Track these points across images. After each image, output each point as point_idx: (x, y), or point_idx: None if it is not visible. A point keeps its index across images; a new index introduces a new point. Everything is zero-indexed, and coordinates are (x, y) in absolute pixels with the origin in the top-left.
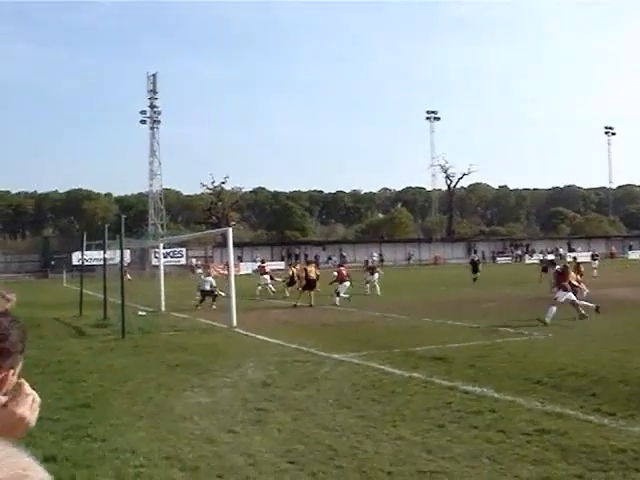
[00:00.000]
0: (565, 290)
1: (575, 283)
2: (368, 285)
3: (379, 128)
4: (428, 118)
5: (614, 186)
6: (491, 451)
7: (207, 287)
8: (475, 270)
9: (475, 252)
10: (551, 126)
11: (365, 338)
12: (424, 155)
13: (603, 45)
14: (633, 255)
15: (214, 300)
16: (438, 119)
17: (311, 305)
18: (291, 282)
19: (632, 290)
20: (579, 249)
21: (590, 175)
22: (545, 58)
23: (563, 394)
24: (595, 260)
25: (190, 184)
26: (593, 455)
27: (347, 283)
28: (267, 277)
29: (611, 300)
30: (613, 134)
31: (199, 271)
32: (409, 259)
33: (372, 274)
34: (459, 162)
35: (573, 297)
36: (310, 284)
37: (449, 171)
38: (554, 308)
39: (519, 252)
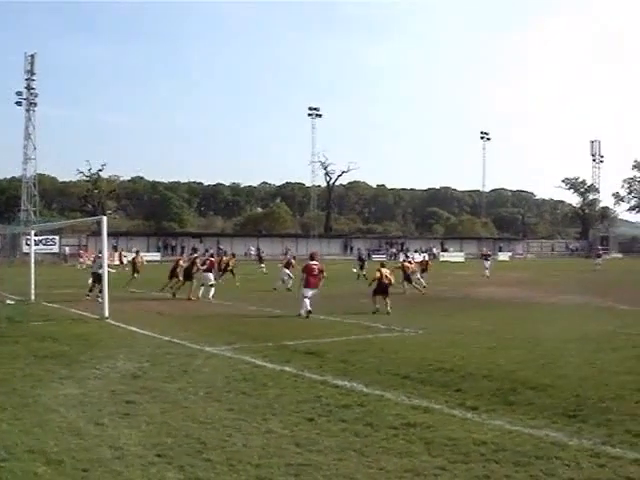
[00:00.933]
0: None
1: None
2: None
3: (261, 122)
4: (310, 114)
5: (487, 189)
6: (359, 444)
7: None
8: (362, 267)
9: (359, 249)
10: (429, 128)
11: (239, 331)
12: (305, 151)
13: (482, 50)
14: (502, 256)
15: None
16: (320, 116)
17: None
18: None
19: (499, 289)
20: (451, 249)
21: (465, 178)
22: (425, 61)
23: (430, 389)
24: (487, 260)
25: (66, 170)
26: (456, 447)
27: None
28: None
29: (481, 298)
30: (488, 139)
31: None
32: (286, 254)
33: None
34: (339, 160)
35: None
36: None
37: (329, 168)
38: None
39: (394, 250)
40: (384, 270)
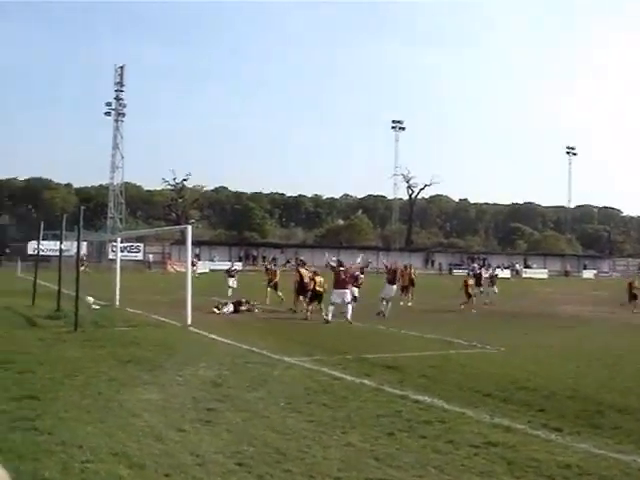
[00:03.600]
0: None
1: None
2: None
3: (344, 134)
4: (394, 127)
5: (572, 205)
6: (438, 461)
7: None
8: (478, 283)
9: (482, 266)
10: (514, 143)
11: (318, 343)
12: (387, 164)
13: (561, 65)
14: (587, 274)
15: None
16: (403, 129)
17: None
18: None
19: (584, 308)
20: (534, 265)
21: (550, 193)
22: (514, 71)
23: (512, 408)
24: None
25: (152, 179)
26: (539, 470)
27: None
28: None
29: (564, 317)
30: (574, 154)
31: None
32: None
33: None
34: (421, 173)
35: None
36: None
37: (411, 181)
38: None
39: (476, 265)
40: (303, 271)
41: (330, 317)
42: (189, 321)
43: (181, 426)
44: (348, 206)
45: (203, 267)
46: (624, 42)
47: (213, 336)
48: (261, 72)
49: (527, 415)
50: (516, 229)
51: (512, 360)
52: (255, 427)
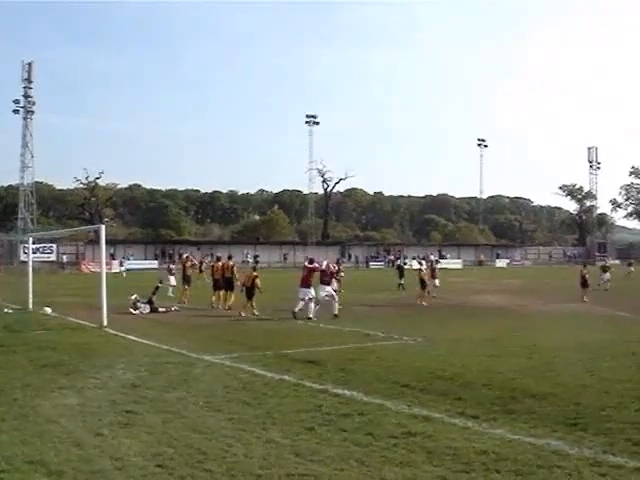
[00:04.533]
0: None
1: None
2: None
3: (258, 129)
4: (307, 122)
5: (484, 196)
6: (359, 454)
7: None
8: (401, 275)
9: (398, 258)
10: (426, 136)
11: (238, 340)
12: (302, 158)
13: (480, 59)
14: (500, 263)
15: None
16: (317, 123)
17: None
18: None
19: (498, 297)
20: (449, 256)
21: (462, 185)
22: (424, 67)
23: (430, 398)
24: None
25: (63, 178)
26: (457, 457)
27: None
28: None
29: (479, 307)
30: (485, 146)
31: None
32: (285, 260)
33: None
34: (336, 167)
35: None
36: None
37: (326, 175)
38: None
39: (392, 257)
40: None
41: (312, 314)
42: (105, 322)
43: (99, 430)
44: (264, 201)
45: (117, 267)
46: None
47: (131, 337)
48: (174, 71)
49: (445, 404)
50: (430, 220)
51: (430, 351)
52: (175, 428)
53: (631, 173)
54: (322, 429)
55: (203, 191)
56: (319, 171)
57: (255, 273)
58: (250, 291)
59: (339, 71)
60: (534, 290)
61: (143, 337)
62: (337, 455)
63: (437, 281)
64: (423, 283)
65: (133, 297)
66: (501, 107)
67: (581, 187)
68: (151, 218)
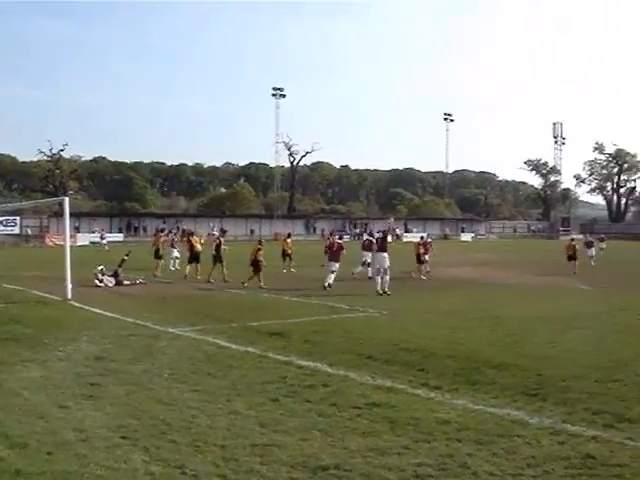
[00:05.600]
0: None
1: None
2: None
3: (224, 102)
4: (274, 95)
5: (450, 171)
6: (323, 424)
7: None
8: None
9: (364, 232)
10: (393, 110)
11: (204, 312)
12: (269, 132)
13: (447, 33)
14: (465, 237)
15: None
16: (284, 96)
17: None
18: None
19: (463, 270)
20: (415, 230)
21: (428, 159)
22: (391, 40)
23: (394, 369)
24: (602, 242)
25: (27, 150)
26: (419, 427)
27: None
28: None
29: (444, 279)
30: (452, 121)
31: None
32: (251, 234)
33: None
34: (303, 141)
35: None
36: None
37: (293, 148)
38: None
39: (357, 231)
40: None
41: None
42: (69, 295)
43: (63, 403)
44: (230, 174)
45: (83, 240)
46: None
47: (95, 310)
48: (140, 43)
49: (408, 375)
50: (396, 194)
51: (394, 323)
52: (139, 399)
53: (595, 149)
54: (286, 400)
55: (169, 164)
56: (285, 144)
57: (259, 246)
58: (256, 265)
59: (307, 44)
60: (500, 263)
61: (108, 310)
62: (301, 425)
63: (427, 257)
64: (419, 258)
65: (99, 268)
66: (468, 82)
67: (546, 162)
68: (116, 191)
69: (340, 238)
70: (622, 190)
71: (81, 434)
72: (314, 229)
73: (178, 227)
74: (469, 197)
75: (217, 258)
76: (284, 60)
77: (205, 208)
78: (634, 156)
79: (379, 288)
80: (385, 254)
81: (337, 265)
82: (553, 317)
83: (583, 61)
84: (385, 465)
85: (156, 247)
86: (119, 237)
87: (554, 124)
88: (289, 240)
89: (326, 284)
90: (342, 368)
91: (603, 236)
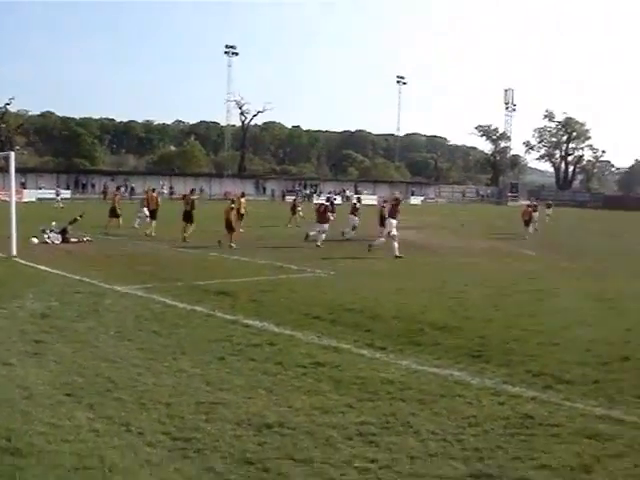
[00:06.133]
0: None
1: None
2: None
3: (175, 60)
4: (227, 52)
5: (401, 134)
6: (268, 383)
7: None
8: (332, 210)
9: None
10: (347, 71)
11: (151, 271)
12: (220, 90)
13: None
14: (414, 200)
15: None
16: (236, 54)
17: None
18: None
19: (410, 233)
20: (365, 192)
21: (380, 122)
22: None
23: (340, 329)
24: (549, 208)
25: None
26: (364, 386)
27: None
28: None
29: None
30: (404, 84)
31: None
32: (201, 192)
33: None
34: (255, 100)
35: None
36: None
37: (244, 108)
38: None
39: (308, 192)
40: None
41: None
42: (14, 252)
43: (7, 360)
44: (180, 132)
45: (29, 196)
46: None
47: (41, 267)
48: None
49: (354, 335)
50: (347, 156)
51: (341, 284)
52: (85, 357)
53: (545, 117)
54: (232, 359)
55: (118, 120)
56: (237, 103)
57: (232, 206)
58: (229, 224)
59: (262, 3)
60: (447, 227)
61: (54, 267)
62: (246, 384)
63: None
64: (382, 220)
65: (52, 224)
66: (420, 45)
67: (496, 128)
68: (64, 147)
69: (329, 201)
70: (570, 158)
71: (25, 391)
72: (264, 189)
73: (126, 185)
74: (419, 161)
75: (188, 216)
76: (238, 18)
77: (154, 166)
78: (583, 125)
79: (397, 252)
80: (394, 221)
81: (325, 226)
82: (497, 281)
83: (536, 29)
84: (329, 423)
85: (112, 205)
86: (67, 194)
87: (505, 91)
88: (243, 200)
89: (318, 243)
90: (288, 328)
91: (550, 202)
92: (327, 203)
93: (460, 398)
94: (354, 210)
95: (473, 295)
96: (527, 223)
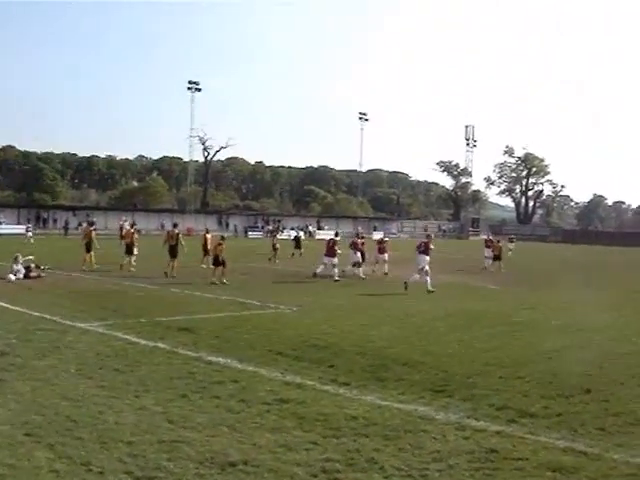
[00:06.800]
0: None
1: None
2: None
3: (140, 94)
4: (190, 88)
5: (364, 170)
6: (232, 420)
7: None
8: (298, 246)
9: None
10: (308, 108)
11: (113, 307)
12: (183, 125)
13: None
14: (377, 236)
15: None
16: (199, 90)
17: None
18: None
19: (375, 267)
20: (327, 227)
21: (342, 158)
22: (305, 39)
23: (303, 365)
24: (512, 242)
25: None
26: (328, 423)
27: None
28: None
29: (355, 277)
30: (366, 120)
31: None
32: (162, 228)
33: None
34: (218, 135)
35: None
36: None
37: (207, 143)
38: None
39: (270, 227)
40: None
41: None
42: None
43: None
44: (143, 167)
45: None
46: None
47: (1, 303)
48: (47, 31)
49: (318, 371)
50: (310, 192)
51: (305, 319)
52: (45, 395)
53: (505, 152)
54: (195, 396)
55: (80, 155)
56: (200, 138)
57: (221, 242)
58: (217, 260)
59: (223, 38)
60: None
61: (14, 303)
62: (209, 421)
63: (387, 255)
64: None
65: (29, 258)
66: (383, 83)
67: (457, 164)
68: (25, 181)
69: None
70: (530, 193)
71: None
72: (227, 225)
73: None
74: (382, 196)
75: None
76: (202, 54)
77: (117, 201)
78: (542, 160)
79: (429, 287)
80: (427, 257)
81: (335, 260)
82: (460, 315)
83: (496, 65)
84: (293, 461)
85: (86, 240)
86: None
87: (466, 127)
88: (209, 235)
89: (337, 278)
90: (252, 364)
91: (513, 237)
92: (336, 238)
93: (424, 433)
94: (355, 246)
95: (437, 329)
96: (496, 258)
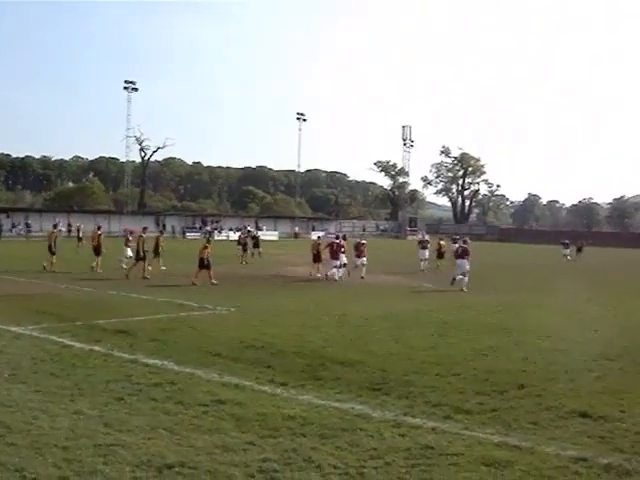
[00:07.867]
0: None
1: None
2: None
3: (74, 95)
4: (126, 88)
5: (302, 170)
6: (169, 422)
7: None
8: (256, 245)
9: (256, 229)
10: (247, 108)
11: (48, 310)
12: (120, 125)
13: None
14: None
15: None
16: (136, 90)
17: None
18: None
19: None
20: (265, 228)
21: (281, 158)
22: (249, 41)
23: (241, 366)
24: (567, 248)
25: None
26: (265, 423)
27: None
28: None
29: (294, 277)
30: (304, 120)
31: None
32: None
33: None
34: (155, 136)
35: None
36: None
37: (144, 143)
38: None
39: (208, 228)
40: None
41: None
42: None
43: None
44: (79, 168)
45: None
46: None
47: None
48: None
49: (255, 372)
50: (248, 192)
51: (242, 321)
52: None
53: (442, 152)
54: (132, 399)
55: (14, 155)
56: (137, 139)
57: (206, 244)
58: (202, 262)
59: (162, 40)
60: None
61: None
62: (146, 424)
63: (365, 259)
64: (317, 256)
65: None
66: (321, 83)
67: (395, 164)
68: None
69: (338, 238)
70: (466, 192)
71: None
72: (164, 226)
73: (27, 223)
74: (320, 196)
75: (156, 253)
76: (139, 55)
77: (52, 203)
78: (478, 160)
79: (465, 288)
80: (466, 261)
81: (337, 262)
82: (398, 315)
83: (432, 66)
84: (230, 462)
85: (49, 243)
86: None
87: (403, 127)
88: (144, 235)
89: (337, 277)
90: (189, 366)
91: (456, 237)
92: (338, 240)
93: (361, 431)
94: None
95: (374, 329)
96: (440, 256)
